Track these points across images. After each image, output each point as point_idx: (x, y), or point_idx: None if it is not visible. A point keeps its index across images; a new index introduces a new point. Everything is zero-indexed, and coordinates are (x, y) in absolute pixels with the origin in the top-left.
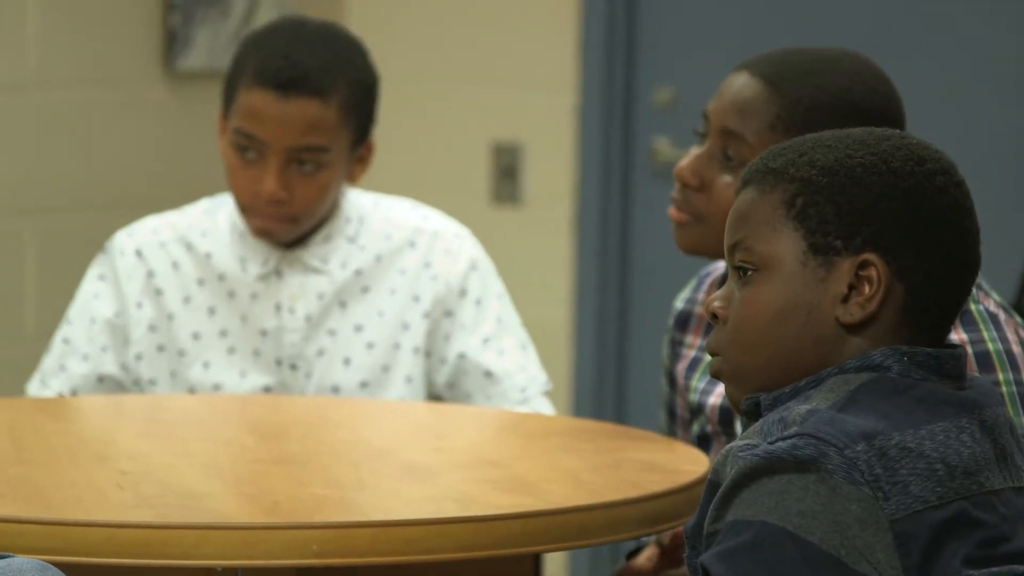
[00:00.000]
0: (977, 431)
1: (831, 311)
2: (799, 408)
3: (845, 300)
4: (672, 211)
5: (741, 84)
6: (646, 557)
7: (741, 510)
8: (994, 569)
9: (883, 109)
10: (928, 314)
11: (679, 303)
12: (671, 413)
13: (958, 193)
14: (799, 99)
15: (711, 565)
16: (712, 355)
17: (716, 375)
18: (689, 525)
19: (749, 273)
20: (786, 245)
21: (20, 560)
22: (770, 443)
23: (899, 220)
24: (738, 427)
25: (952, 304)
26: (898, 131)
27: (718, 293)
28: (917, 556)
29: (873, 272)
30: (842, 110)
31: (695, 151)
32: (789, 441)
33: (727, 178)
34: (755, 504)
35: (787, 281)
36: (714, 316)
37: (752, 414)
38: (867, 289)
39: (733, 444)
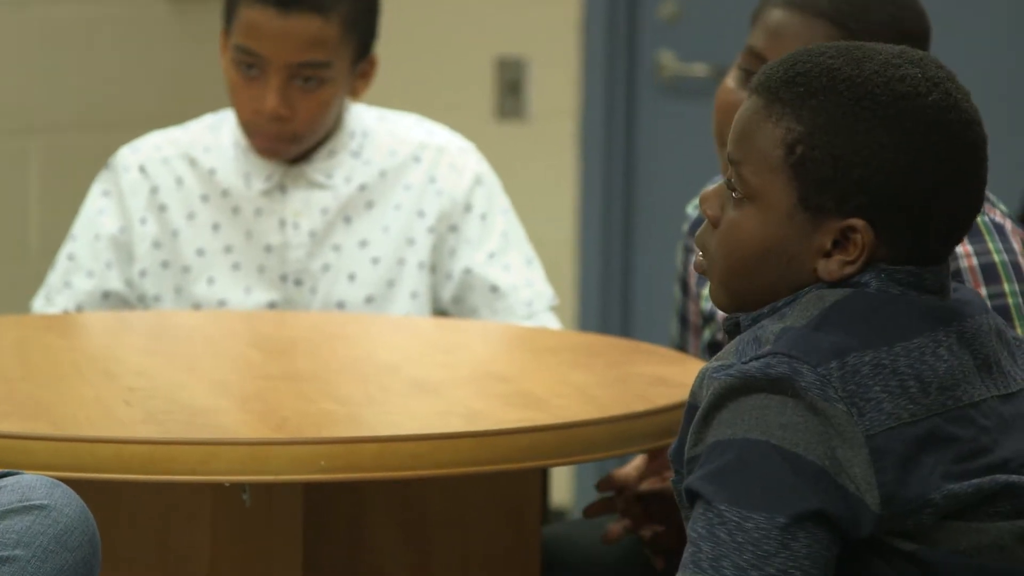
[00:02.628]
0: (955, 343)
1: (811, 263)
2: (773, 327)
3: (827, 255)
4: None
5: (796, 26)
6: (633, 466)
7: (722, 430)
8: (975, 480)
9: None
10: (905, 250)
11: (691, 209)
12: (683, 320)
13: (967, 162)
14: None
15: (700, 487)
16: (700, 251)
17: (701, 271)
18: (672, 448)
19: (740, 196)
20: (779, 191)
21: (29, 477)
22: (744, 363)
23: (892, 196)
24: None
25: (942, 251)
26: (933, 76)
27: (712, 191)
28: (892, 472)
29: (858, 237)
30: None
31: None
32: (762, 360)
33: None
34: (735, 423)
35: (773, 225)
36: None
37: (733, 333)
38: (851, 250)
39: (708, 365)
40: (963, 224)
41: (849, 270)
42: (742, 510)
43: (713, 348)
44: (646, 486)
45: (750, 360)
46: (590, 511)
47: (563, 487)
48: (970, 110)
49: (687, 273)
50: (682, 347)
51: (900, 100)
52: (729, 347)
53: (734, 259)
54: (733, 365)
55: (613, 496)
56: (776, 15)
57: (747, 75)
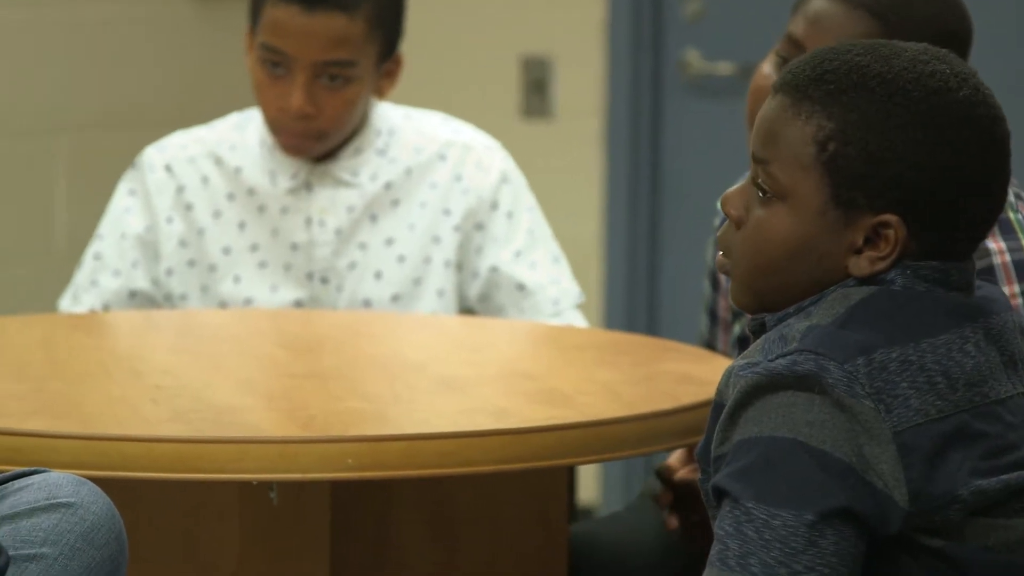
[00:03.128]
0: (982, 340)
1: (842, 260)
2: (799, 324)
3: (858, 252)
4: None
5: (837, 16)
6: (675, 456)
7: (748, 428)
8: (1003, 476)
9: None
10: (940, 254)
11: None
12: (712, 315)
13: (996, 157)
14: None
15: (727, 485)
16: (723, 251)
17: (723, 271)
18: (699, 447)
19: (768, 195)
20: (810, 188)
21: (56, 475)
22: (770, 360)
23: (926, 191)
24: None
25: (968, 247)
26: (960, 72)
27: (735, 191)
28: (920, 468)
29: (891, 233)
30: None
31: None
32: (789, 357)
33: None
34: (762, 421)
35: (804, 222)
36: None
37: (758, 333)
38: (883, 246)
39: (734, 363)
40: (989, 219)
41: (880, 266)
42: (769, 507)
43: (743, 343)
44: (682, 475)
45: (776, 358)
46: (660, 501)
47: (590, 486)
48: (997, 106)
49: (717, 267)
50: (711, 343)
51: (932, 96)
52: (755, 345)
53: (762, 258)
54: (759, 363)
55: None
56: (817, 4)
57: (784, 62)
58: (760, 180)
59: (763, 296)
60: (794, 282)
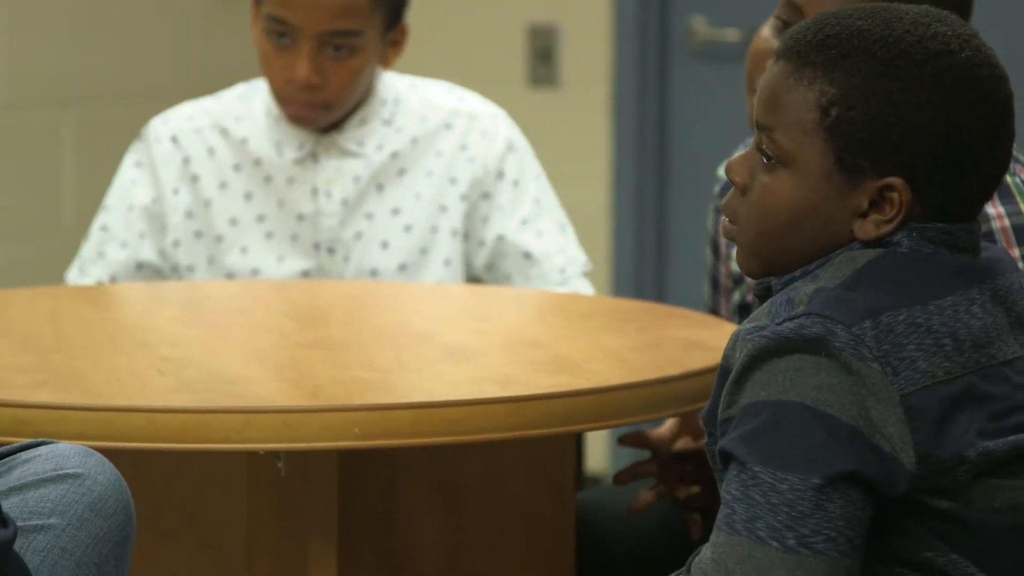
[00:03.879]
0: (988, 301)
1: (847, 224)
2: (806, 287)
3: (863, 215)
4: None
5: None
6: (667, 427)
7: (755, 391)
8: (1010, 438)
9: None
10: (945, 216)
11: (723, 172)
12: (714, 283)
13: (1000, 118)
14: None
15: (734, 449)
16: (728, 218)
17: (729, 237)
18: (705, 411)
19: (773, 161)
20: (814, 153)
21: (63, 446)
22: (777, 324)
23: (930, 154)
24: None
25: (973, 208)
26: (962, 33)
27: (740, 158)
28: (927, 430)
29: (896, 196)
30: None
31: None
32: (796, 321)
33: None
34: (769, 384)
35: (809, 188)
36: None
37: (764, 298)
38: (888, 209)
39: (741, 327)
40: (995, 180)
41: (886, 229)
42: (776, 471)
43: (743, 310)
44: (680, 446)
45: (784, 321)
46: (620, 478)
47: (598, 453)
48: (999, 66)
49: (718, 235)
50: (714, 310)
51: (934, 58)
52: (762, 309)
53: (768, 223)
54: (767, 327)
55: (646, 460)
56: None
57: (784, 26)
58: (764, 146)
59: (769, 261)
60: (800, 247)
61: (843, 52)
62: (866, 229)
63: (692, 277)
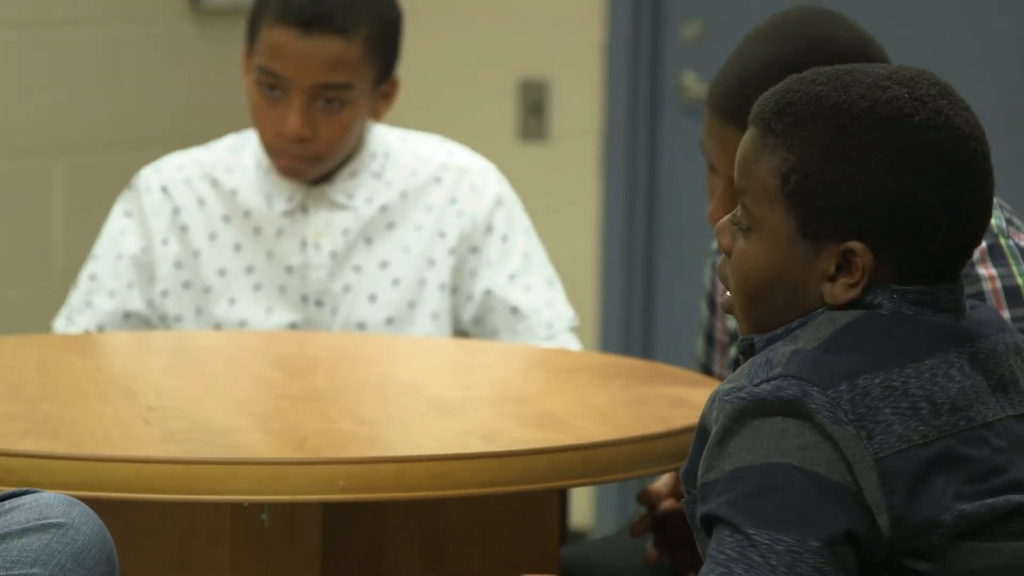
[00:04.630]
0: (967, 365)
1: (817, 289)
2: (784, 348)
3: (832, 279)
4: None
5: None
6: (663, 482)
7: (741, 456)
8: (987, 500)
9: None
10: (920, 276)
11: None
12: (709, 338)
13: (961, 178)
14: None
15: (724, 514)
16: (723, 283)
17: (727, 310)
18: (684, 469)
19: (745, 227)
20: (778, 219)
21: (47, 495)
22: (755, 385)
23: (885, 218)
24: None
25: (951, 268)
26: (922, 95)
27: (725, 221)
28: (901, 494)
29: (858, 260)
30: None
31: (715, 190)
32: (774, 383)
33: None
34: (754, 448)
35: (777, 254)
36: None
37: (748, 354)
38: (855, 273)
39: (720, 387)
40: (970, 239)
41: (853, 293)
42: (772, 532)
43: (738, 366)
44: (666, 507)
45: (761, 383)
46: (635, 530)
47: (583, 508)
48: (964, 125)
49: (715, 290)
50: (707, 366)
51: (885, 122)
52: (741, 369)
53: (747, 288)
54: (744, 387)
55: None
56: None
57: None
58: (738, 213)
59: (758, 324)
60: (776, 310)
61: (800, 119)
62: (835, 293)
63: (680, 332)
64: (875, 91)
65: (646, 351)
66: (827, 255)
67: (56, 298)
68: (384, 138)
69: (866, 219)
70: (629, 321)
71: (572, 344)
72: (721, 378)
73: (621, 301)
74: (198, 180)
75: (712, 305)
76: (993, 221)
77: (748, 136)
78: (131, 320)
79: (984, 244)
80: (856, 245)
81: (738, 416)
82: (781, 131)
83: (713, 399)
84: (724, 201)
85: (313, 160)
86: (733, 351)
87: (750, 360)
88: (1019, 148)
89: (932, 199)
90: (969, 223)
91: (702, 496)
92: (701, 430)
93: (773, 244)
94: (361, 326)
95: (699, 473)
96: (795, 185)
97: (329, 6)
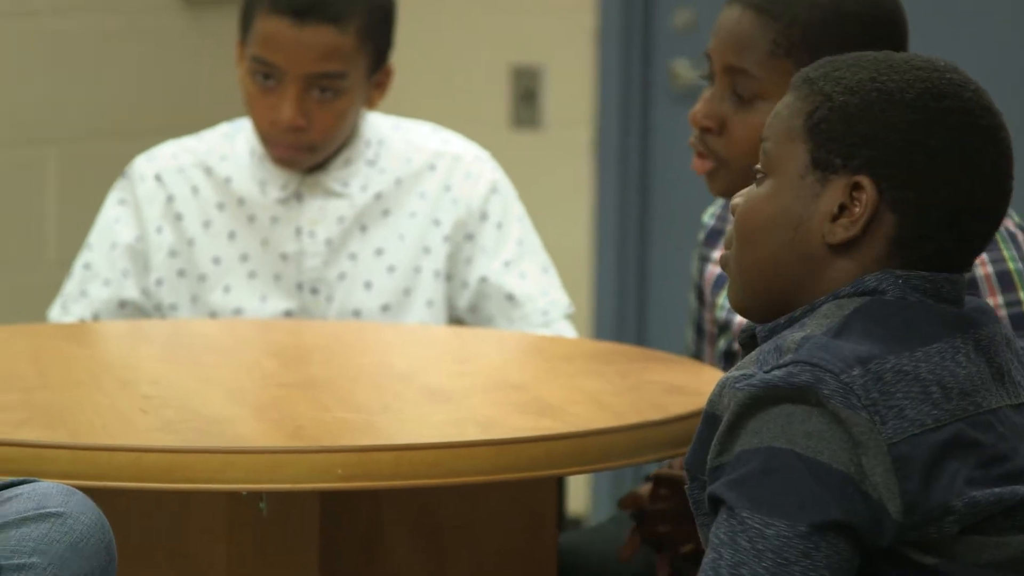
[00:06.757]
0: (972, 351)
1: (818, 228)
2: (793, 335)
3: (834, 220)
4: (696, 163)
5: (734, 18)
6: (647, 489)
7: (748, 439)
8: (996, 489)
9: (874, 12)
10: (920, 248)
11: (707, 218)
12: (699, 329)
13: (977, 136)
14: (793, 21)
15: (723, 494)
16: (725, 244)
17: (723, 267)
18: (688, 457)
19: (760, 176)
20: (793, 154)
21: (45, 484)
22: (766, 372)
23: (898, 151)
24: None
25: (951, 244)
26: (938, 62)
27: (746, 189)
28: (915, 479)
29: (863, 195)
30: (836, 21)
31: (706, 95)
32: (785, 369)
33: (742, 115)
34: (760, 432)
35: (784, 190)
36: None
37: (749, 346)
38: (856, 211)
39: (729, 375)
40: (980, 229)
41: (854, 231)
42: (764, 516)
43: (728, 357)
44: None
45: (772, 369)
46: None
47: (579, 495)
48: (999, 117)
49: (703, 282)
50: (697, 356)
51: (917, 71)
52: (750, 357)
53: (748, 227)
54: (755, 375)
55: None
56: (722, 11)
57: (708, 80)
58: (757, 163)
59: (753, 281)
60: (774, 259)
61: (837, 67)
62: (835, 232)
63: (673, 319)
64: (920, 69)
65: (639, 338)
66: (833, 191)
67: (49, 288)
68: (378, 126)
69: (880, 149)
70: (622, 307)
71: (568, 331)
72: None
73: (614, 289)
74: (192, 168)
75: (700, 296)
76: None
77: (782, 101)
78: (126, 309)
79: None
80: (863, 179)
81: (750, 402)
82: (817, 79)
83: (722, 386)
84: (712, 100)
85: (308, 149)
86: (722, 342)
87: (758, 348)
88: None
89: (948, 144)
90: (985, 210)
91: (711, 479)
92: (708, 417)
93: (782, 181)
94: (356, 313)
95: (709, 458)
96: (817, 119)
97: None
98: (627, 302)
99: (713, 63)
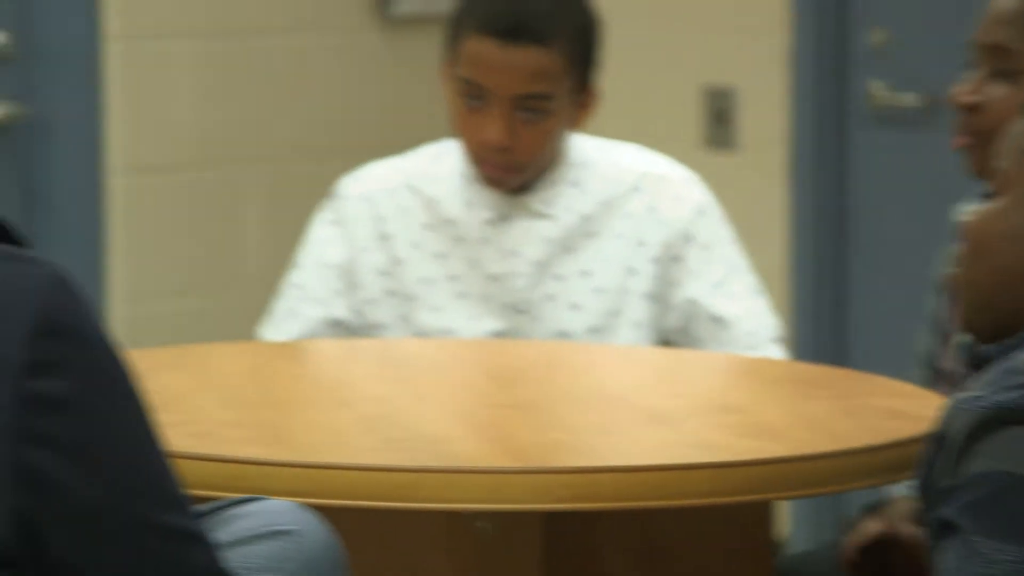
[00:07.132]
0: None
1: None
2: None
3: None
4: (955, 139)
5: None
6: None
7: (980, 462)
8: None
9: None
10: None
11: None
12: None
13: None
14: None
15: (955, 518)
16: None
17: (952, 286)
18: (920, 480)
19: (993, 194)
20: None
21: (274, 502)
22: (995, 394)
23: None
24: None
25: None
26: None
27: (978, 206)
28: None
29: None
30: None
31: (966, 77)
32: (1017, 391)
33: (1002, 90)
34: (992, 455)
35: (1019, 207)
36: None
37: (976, 366)
38: None
39: (958, 396)
40: None
41: None
42: (995, 542)
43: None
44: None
45: (1003, 391)
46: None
47: (779, 519)
48: None
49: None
50: (930, 361)
51: None
52: (979, 378)
53: (977, 247)
54: (985, 396)
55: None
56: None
57: (985, 66)
58: (993, 184)
59: (982, 302)
60: (1005, 273)
61: None
62: None
63: (872, 342)
64: None
65: (838, 361)
66: None
67: (250, 307)
68: (583, 147)
69: None
70: (820, 332)
71: (776, 354)
72: (949, 373)
73: (812, 311)
74: (400, 189)
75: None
76: None
77: (1020, 121)
78: (337, 328)
79: None
80: None
81: (980, 425)
82: None
83: (953, 408)
84: (973, 80)
85: (515, 169)
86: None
87: (990, 369)
88: None
89: None
90: None
91: (938, 502)
92: (937, 439)
93: (1018, 198)
94: (563, 335)
95: (938, 479)
96: None
97: (529, 16)
98: (824, 325)
99: (978, 49)
